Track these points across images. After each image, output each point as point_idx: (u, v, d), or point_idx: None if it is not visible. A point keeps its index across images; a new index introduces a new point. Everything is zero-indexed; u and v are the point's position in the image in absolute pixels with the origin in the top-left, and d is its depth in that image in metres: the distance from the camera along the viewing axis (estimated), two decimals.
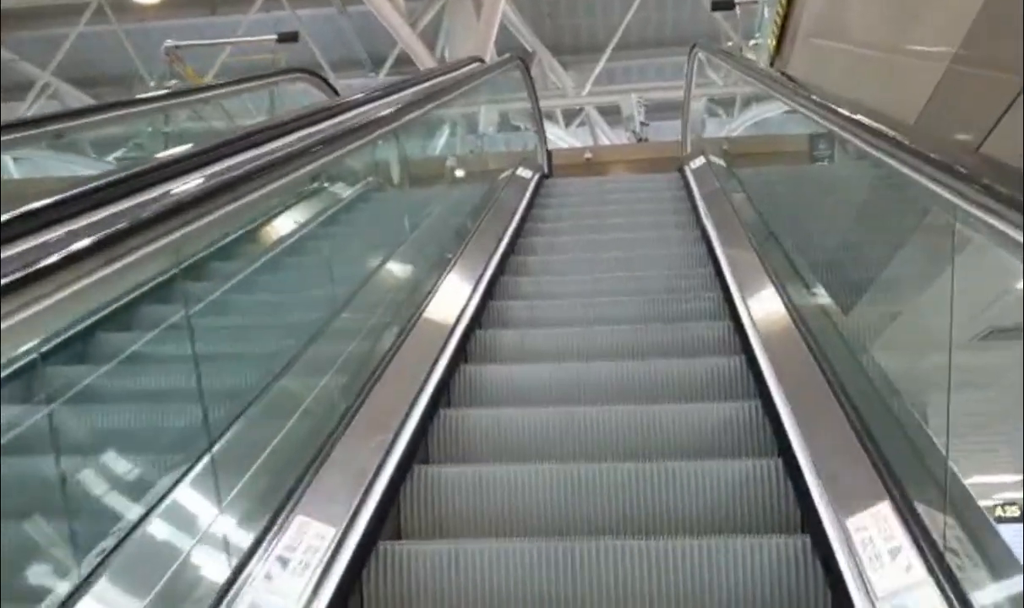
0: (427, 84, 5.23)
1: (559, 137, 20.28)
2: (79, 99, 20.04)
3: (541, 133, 9.19)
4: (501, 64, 7.63)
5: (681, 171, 7.12)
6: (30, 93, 19.94)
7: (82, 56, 19.99)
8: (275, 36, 9.27)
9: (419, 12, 17.25)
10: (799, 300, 3.29)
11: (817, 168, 5.05)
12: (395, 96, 4.37)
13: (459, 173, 6.23)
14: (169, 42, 8.61)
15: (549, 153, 10.40)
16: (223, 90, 7.39)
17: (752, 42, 9.31)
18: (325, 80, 8.35)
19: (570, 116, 20.52)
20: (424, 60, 16.50)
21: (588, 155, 17.04)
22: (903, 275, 3.11)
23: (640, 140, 17.32)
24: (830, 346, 2.75)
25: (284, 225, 5.55)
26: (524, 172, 7.30)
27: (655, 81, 18.87)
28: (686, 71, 8.38)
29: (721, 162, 6.73)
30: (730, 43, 9.49)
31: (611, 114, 19.73)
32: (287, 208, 5.79)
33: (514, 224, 5.54)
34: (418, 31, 17.00)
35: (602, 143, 20.64)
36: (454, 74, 6.14)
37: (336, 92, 8.49)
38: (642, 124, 17.24)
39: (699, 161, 7.03)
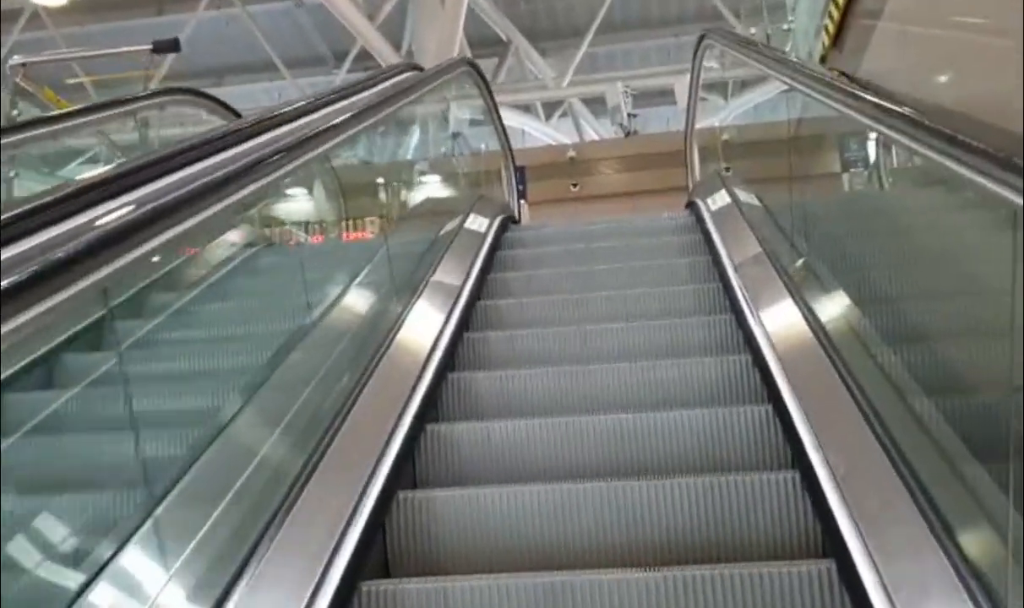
0: (322, 113, 3.08)
1: (540, 131, 17.96)
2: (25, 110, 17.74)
3: (507, 158, 6.91)
4: (443, 73, 5.35)
5: (696, 212, 4.86)
6: None
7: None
8: (150, 46, 6.90)
9: (379, 2, 14.93)
10: None
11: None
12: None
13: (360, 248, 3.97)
14: (16, 59, 6.34)
15: (520, 173, 8.13)
16: (72, 122, 5.11)
17: (784, 27, 7.01)
18: (217, 100, 6.10)
19: (551, 107, 18.17)
20: (385, 55, 14.15)
21: (571, 153, 14.77)
22: None
23: (628, 134, 15.03)
24: None
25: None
26: (477, 222, 5.04)
27: (641, 68, 16.53)
28: (691, 73, 6.08)
29: (754, 200, 4.47)
30: (753, 31, 7.15)
31: (595, 104, 17.38)
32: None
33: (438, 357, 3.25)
34: (378, 23, 14.65)
35: (587, 135, 18.32)
36: (367, 94, 3.92)
37: (237, 114, 6.26)
38: (630, 115, 14.92)
39: (719, 199, 4.78)
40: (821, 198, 4.48)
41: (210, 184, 1.95)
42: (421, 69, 5.64)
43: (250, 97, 18.85)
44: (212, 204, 1.94)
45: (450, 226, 4.80)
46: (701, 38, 5.52)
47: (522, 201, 8.05)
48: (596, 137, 18.19)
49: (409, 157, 5.12)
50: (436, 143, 5.82)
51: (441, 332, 3.32)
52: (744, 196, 4.61)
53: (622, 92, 14.68)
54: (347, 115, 3.24)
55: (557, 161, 14.45)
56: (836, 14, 4.18)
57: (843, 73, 3.31)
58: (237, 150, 2.25)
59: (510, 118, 17.57)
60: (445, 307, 3.59)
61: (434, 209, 5.12)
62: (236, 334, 3.55)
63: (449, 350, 3.22)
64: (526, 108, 17.51)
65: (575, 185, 14.28)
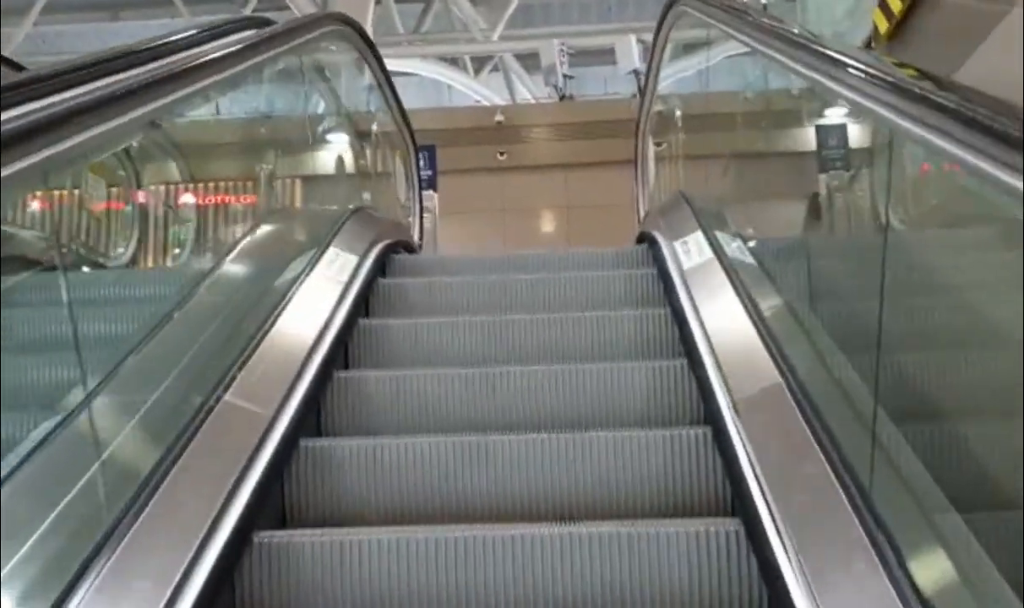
0: None
1: (467, 87, 16.07)
2: None
3: (406, 144, 5.13)
4: (293, 35, 3.54)
5: (662, 271, 3.18)
6: None
7: None
8: None
9: None
10: None
11: None
12: None
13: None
14: None
15: (428, 155, 6.36)
16: None
17: None
18: None
19: (481, 61, 16.26)
20: None
21: (499, 117, 12.92)
22: None
23: (563, 97, 13.26)
24: None
25: None
26: (337, 264, 3.29)
27: (580, 24, 14.70)
28: (652, 49, 4.34)
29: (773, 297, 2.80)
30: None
31: (529, 59, 15.51)
32: None
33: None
34: None
35: (519, 93, 16.48)
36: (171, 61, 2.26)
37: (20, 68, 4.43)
38: (565, 77, 13.14)
39: (695, 250, 3.10)
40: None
41: None
42: (268, 23, 3.83)
43: (147, 34, 16.47)
44: None
45: (287, 277, 3.04)
46: (671, 3, 3.80)
47: (431, 192, 6.28)
48: (529, 96, 16.37)
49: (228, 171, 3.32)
50: (287, 130, 4.02)
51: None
52: (745, 263, 2.93)
53: (558, 50, 12.88)
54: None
55: (483, 125, 12.62)
56: None
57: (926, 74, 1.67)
58: None
59: (434, 71, 15.63)
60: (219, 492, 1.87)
61: (262, 245, 3.33)
62: None
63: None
64: (453, 61, 15.58)
65: (502, 153, 12.49)
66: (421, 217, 5.24)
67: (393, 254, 3.80)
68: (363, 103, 4.66)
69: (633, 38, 12.62)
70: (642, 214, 4.46)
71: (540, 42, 13.50)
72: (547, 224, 12.66)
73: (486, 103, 15.62)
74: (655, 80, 4.49)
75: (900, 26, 2.72)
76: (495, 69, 16.51)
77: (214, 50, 2.75)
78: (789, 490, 1.75)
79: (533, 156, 12.47)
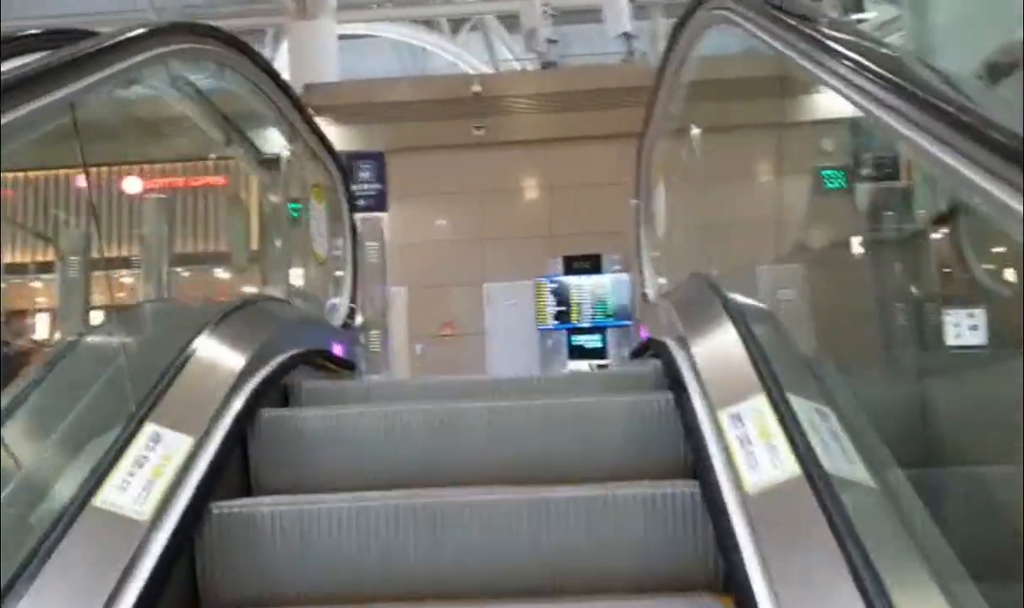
0: None
1: (444, 50, 14.52)
2: None
3: (336, 182, 3.72)
4: (110, 60, 2.14)
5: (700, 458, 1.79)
6: None
7: None
8: None
9: None
10: None
11: None
12: None
13: None
14: None
15: (375, 164, 4.99)
16: None
17: None
18: None
19: (458, 21, 14.66)
20: None
21: (476, 87, 11.42)
22: None
23: (546, 65, 11.75)
24: None
25: None
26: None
27: None
28: (663, 65, 2.93)
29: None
30: None
31: (509, 18, 13.89)
32: None
33: None
34: None
35: (501, 55, 14.93)
36: None
37: None
38: (549, 42, 11.62)
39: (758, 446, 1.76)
40: None
41: None
42: (86, 36, 2.42)
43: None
44: None
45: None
46: (697, 3, 2.37)
47: (381, 214, 4.88)
48: (511, 57, 14.83)
49: None
50: None
51: None
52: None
53: (540, 12, 11.35)
54: None
55: (457, 96, 11.10)
56: None
57: None
58: None
59: (407, 33, 14.05)
60: None
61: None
62: None
63: None
64: (428, 23, 14.01)
65: (479, 128, 11.00)
66: (355, 272, 3.85)
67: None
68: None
69: None
70: (649, 289, 3.07)
71: (521, 3, 11.95)
72: (528, 209, 11.22)
73: (466, 68, 14.09)
74: (668, 96, 3.10)
75: None
76: (474, 29, 14.92)
77: None
78: None
79: (514, 131, 11.01)
